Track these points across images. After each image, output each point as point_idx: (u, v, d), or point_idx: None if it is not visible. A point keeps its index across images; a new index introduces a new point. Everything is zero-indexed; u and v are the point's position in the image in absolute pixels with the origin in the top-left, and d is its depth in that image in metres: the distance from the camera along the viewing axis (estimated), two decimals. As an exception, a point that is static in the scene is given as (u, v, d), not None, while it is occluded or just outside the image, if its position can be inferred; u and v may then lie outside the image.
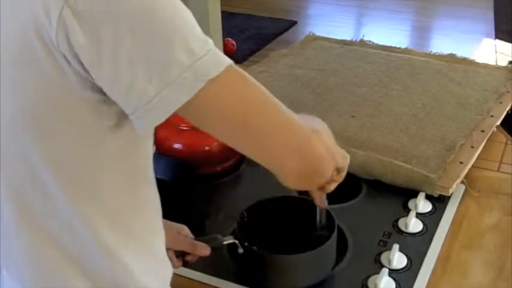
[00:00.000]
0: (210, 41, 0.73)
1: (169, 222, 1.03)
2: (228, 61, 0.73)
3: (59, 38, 0.68)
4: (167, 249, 1.01)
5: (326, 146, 0.84)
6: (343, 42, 2.09)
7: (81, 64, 0.69)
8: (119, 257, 0.82)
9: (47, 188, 0.78)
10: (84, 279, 0.82)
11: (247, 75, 0.76)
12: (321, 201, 1.07)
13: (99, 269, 0.82)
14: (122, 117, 0.75)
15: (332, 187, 1.01)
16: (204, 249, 1.05)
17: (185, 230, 1.08)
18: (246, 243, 1.09)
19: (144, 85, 0.69)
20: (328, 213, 1.14)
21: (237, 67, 0.75)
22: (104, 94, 0.72)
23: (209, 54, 0.71)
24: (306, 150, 0.81)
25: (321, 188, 0.99)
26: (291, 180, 0.83)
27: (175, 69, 0.69)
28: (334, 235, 1.12)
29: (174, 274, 0.98)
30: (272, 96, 0.78)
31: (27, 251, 0.83)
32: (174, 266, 1.02)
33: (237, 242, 1.10)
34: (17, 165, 0.78)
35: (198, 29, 0.72)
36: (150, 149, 0.85)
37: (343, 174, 1.00)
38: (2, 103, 0.75)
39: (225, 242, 1.10)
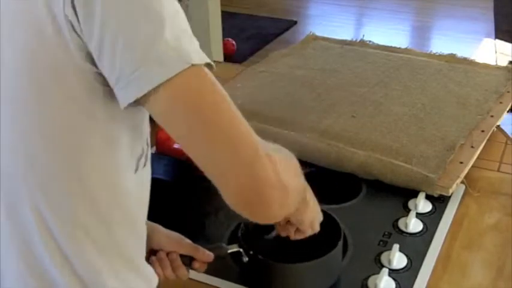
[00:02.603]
0: (197, 42, 0.75)
1: (171, 231, 1.03)
2: (208, 60, 0.75)
3: (65, 2, 0.70)
4: (171, 252, 1.01)
5: (278, 174, 0.77)
6: (343, 42, 2.09)
7: (81, 30, 0.71)
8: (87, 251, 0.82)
9: (35, 156, 0.78)
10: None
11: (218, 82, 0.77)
12: (284, 231, 1.05)
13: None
14: (110, 99, 0.76)
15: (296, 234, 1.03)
16: (206, 255, 1.04)
17: (186, 239, 1.07)
18: (251, 252, 1.09)
19: (128, 54, 0.71)
20: (334, 220, 1.13)
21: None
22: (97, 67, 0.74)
23: (194, 45, 0.74)
24: (251, 167, 0.75)
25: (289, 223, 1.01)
26: (231, 199, 0.78)
27: (161, 46, 0.71)
28: (340, 243, 1.12)
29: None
30: (237, 109, 0.77)
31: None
32: (181, 275, 1.02)
33: (241, 250, 1.09)
34: (8, 127, 0.78)
35: (190, 30, 0.75)
36: (134, 143, 0.84)
37: (316, 225, 1.01)
38: (5, 54, 0.75)
39: (229, 251, 1.09)
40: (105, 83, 0.75)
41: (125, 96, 0.73)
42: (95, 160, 0.79)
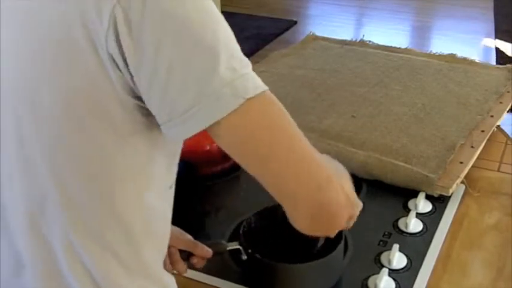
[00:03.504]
0: (250, 65, 0.73)
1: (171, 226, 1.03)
2: (265, 86, 0.73)
3: (108, 38, 0.67)
4: (170, 246, 1.01)
5: (345, 192, 0.80)
6: (343, 42, 2.09)
7: (126, 65, 0.68)
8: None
9: (65, 184, 0.76)
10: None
11: (280, 104, 0.75)
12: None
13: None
14: (152, 128, 0.74)
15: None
16: (205, 250, 1.04)
17: (186, 234, 1.07)
18: (249, 250, 1.09)
19: (182, 93, 0.69)
20: None
21: (271, 93, 0.74)
22: (141, 101, 0.72)
23: (249, 75, 0.72)
24: (324, 191, 0.76)
25: None
26: (302, 221, 0.78)
27: (215, 82, 0.69)
28: (341, 245, 1.12)
29: (176, 274, 0.98)
30: (300, 131, 0.76)
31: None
32: (180, 270, 1.02)
33: (241, 248, 1.09)
34: (38, 158, 0.76)
35: (240, 51, 0.73)
36: (166, 169, 0.83)
37: (352, 222, 1.00)
38: (42, 94, 0.73)
39: (228, 248, 1.09)
40: (146, 113, 0.73)
41: (177, 133, 0.72)
42: (130, 187, 0.79)
